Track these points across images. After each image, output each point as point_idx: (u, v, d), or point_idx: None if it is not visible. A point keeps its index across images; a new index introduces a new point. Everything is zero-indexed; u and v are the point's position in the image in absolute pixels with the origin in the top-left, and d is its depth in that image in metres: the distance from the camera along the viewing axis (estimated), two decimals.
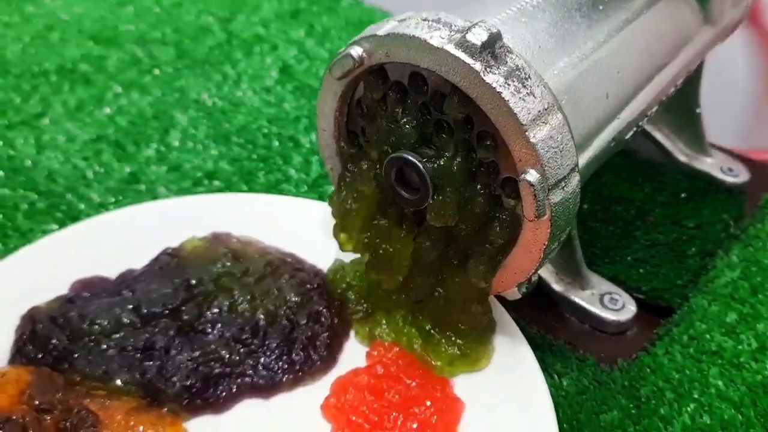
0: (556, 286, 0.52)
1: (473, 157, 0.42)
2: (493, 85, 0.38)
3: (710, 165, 0.62)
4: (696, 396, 0.48)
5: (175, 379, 0.45)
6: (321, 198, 0.61)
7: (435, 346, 0.46)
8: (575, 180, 0.40)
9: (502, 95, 0.38)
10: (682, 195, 0.61)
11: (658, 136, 0.62)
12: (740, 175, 0.62)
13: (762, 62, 0.74)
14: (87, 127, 0.66)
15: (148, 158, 0.64)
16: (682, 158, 0.62)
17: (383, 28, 0.41)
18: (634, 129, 0.49)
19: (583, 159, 0.43)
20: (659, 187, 0.61)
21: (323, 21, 0.81)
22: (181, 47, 0.76)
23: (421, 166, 0.42)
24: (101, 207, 0.59)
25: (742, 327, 0.52)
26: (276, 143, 0.66)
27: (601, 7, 0.46)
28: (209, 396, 0.45)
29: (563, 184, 0.39)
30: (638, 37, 0.47)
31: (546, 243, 0.40)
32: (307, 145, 0.66)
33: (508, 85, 0.38)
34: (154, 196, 0.60)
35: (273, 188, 0.62)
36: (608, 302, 0.52)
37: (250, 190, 0.61)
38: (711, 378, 0.49)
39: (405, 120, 0.43)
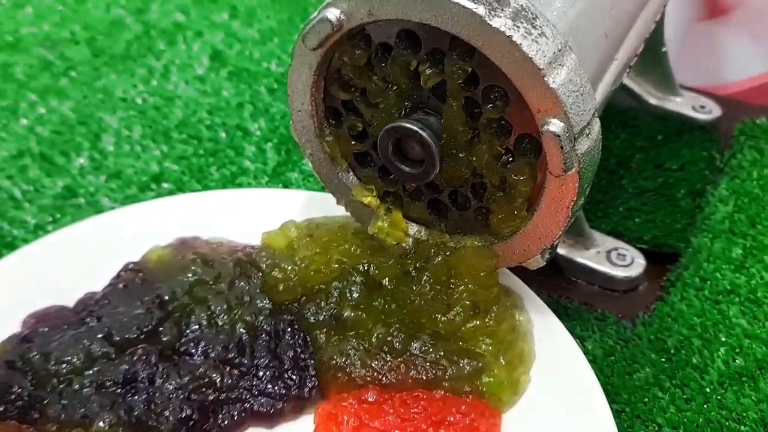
0: (560, 250, 0.49)
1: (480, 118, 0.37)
2: (502, 29, 0.34)
3: (681, 104, 0.60)
4: (723, 339, 0.46)
5: (167, 412, 0.40)
6: (285, 186, 0.56)
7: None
8: (597, 126, 0.37)
9: (513, 39, 0.34)
10: (659, 137, 0.59)
11: (625, 80, 0.60)
12: (713, 111, 0.60)
13: None
14: (4, 143, 0.59)
15: (82, 168, 0.57)
16: (653, 101, 0.60)
17: None
18: (627, 71, 0.46)
19: None
20: (634, 132, 0.59)
21: (246, 1, 0.75)
22: (95, 45, 0.69)
23: (425, 135, 0.38)
24: (39, 229, 0.52)
25: (750, 261, 0.50)
26: (223, 134, 0.60)
27: None
28: (210, 427, 0.40)
29: (587, 131, 0.36)
30: None
31: (574, 199, 0.37)
32: (257, 132, 0.60)
33: (518, 27, 0.34)
34: (98, 209, 0.53)
35: (230, 183, 0.56)
36: (616, 259, 0.49)
37: (205, 188, 0.55)
38: (733, 318, 0.47)
39: (397, 86, 0.38)
